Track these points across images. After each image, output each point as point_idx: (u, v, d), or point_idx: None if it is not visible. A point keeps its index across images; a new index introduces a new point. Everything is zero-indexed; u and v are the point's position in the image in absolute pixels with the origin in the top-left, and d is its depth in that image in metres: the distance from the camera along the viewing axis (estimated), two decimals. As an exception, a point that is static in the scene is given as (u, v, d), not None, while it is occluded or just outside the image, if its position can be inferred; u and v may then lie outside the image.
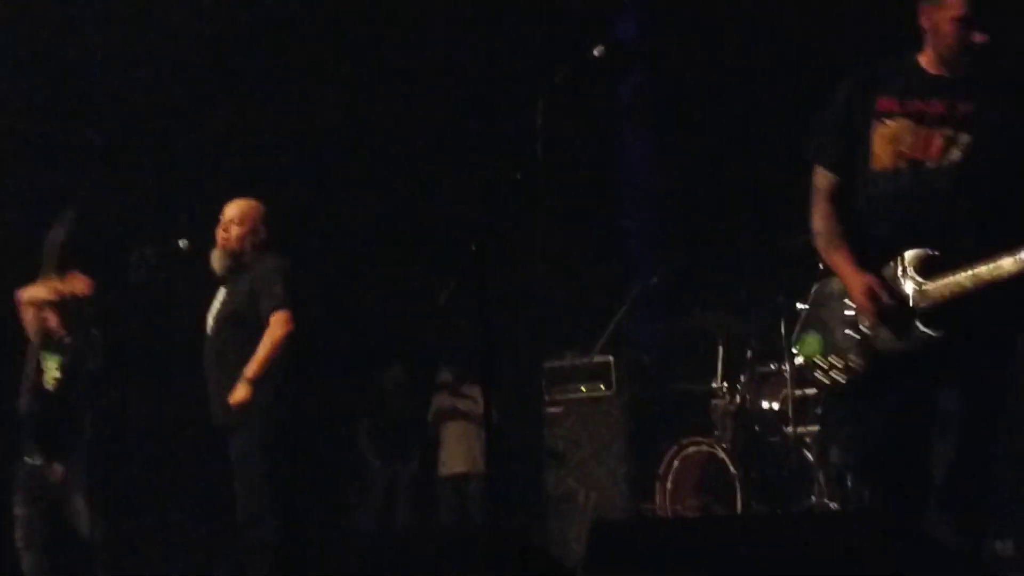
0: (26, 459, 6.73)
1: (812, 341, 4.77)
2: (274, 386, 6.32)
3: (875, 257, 4.60)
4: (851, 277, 4.60)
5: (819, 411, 7.30)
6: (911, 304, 4.49)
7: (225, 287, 6.59)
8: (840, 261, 4.66)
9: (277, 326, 6.32)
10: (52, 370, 6.78)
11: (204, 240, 6.63)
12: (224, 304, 6.51)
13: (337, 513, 9.76)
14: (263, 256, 6.55)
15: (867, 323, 4.57)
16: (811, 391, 7.32)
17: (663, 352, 9.11)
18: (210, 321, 6.56)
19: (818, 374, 4.75)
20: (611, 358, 8.30)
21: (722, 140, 9.53)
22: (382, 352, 10.09)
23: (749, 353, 7.67)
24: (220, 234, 6.56)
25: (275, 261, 6.53)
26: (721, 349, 7.76)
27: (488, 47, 9.81)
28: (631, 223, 10.38)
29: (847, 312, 4.66)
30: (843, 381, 4.65)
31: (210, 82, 9.23)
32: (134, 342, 7.10)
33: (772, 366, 7.58)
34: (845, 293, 4.66)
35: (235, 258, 6.53)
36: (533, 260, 9.14)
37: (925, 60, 4.69)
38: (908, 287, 4.50)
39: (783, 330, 7.37)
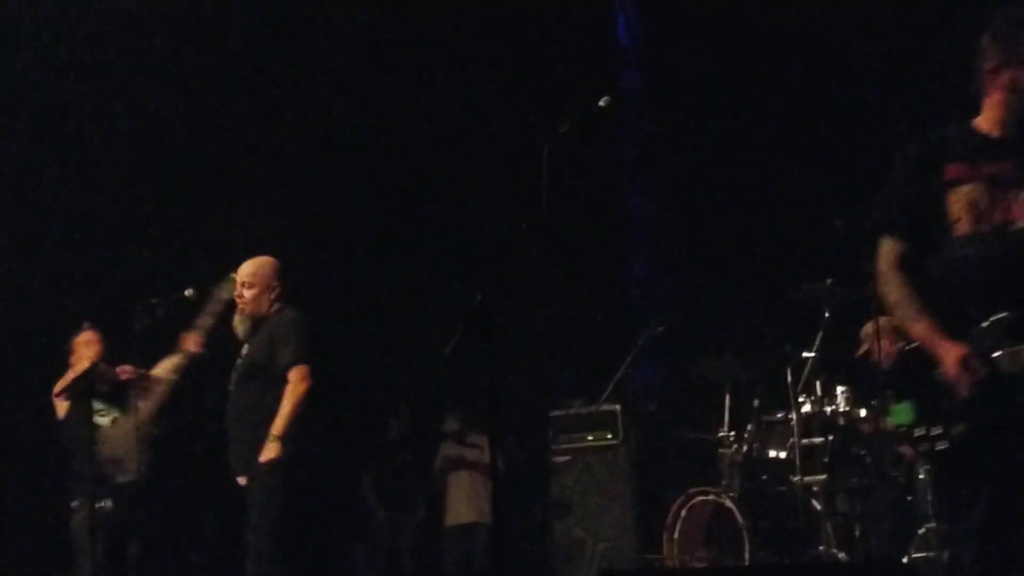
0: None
1: (905, 409, 4.70)
2: (292, 439, 6.33)
3: (958, 323, 4.52)
4: (941, 348, 4.48)
5: (826, 460, 7.27)
6: (1004, 369, 4.43)
7: (248, 344, 6.59)
8: (926, 331, 4.54)
9: (298, 382, 6.37)
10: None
11: (210, 290, 6.65)
12: (244, 358, 6.52)
13: (341, 562, 9.72)
14: (282, 309, 6.58)
15: (962, 391, 4.47)
16: (818, 440, 7.30)
17: (669, 401, 9.11)
18: (233, 377, 6.58)
19: (917, 444, 4.66)
20: (617, 407, 8.29)
21: (727, 189, 9.55)
22: (386, 401, 10.08)
23: (756, 402, 7.65)
24: (237, 298, 6.59)
25: (292, 314, 6.56)
26: (728, 397, 7.74)
27: (494, 98, 9.87)
28: (636, 272, 10.39)
29: (938, 379, 4.55)
30: (944, 448, 4.55)
31: (219, 132, 9.29)
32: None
33: (779, 415, 7.55)
34: (932, 361, 4.54)
35: (254, 320, 6.56)
36: (539, 309, 9.19)
37: (986, 124, 4.68)
38: (1000, 352, 4.45)
39: (789, 378, 7.37)
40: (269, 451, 6.28)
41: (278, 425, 6.29)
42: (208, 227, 8.96)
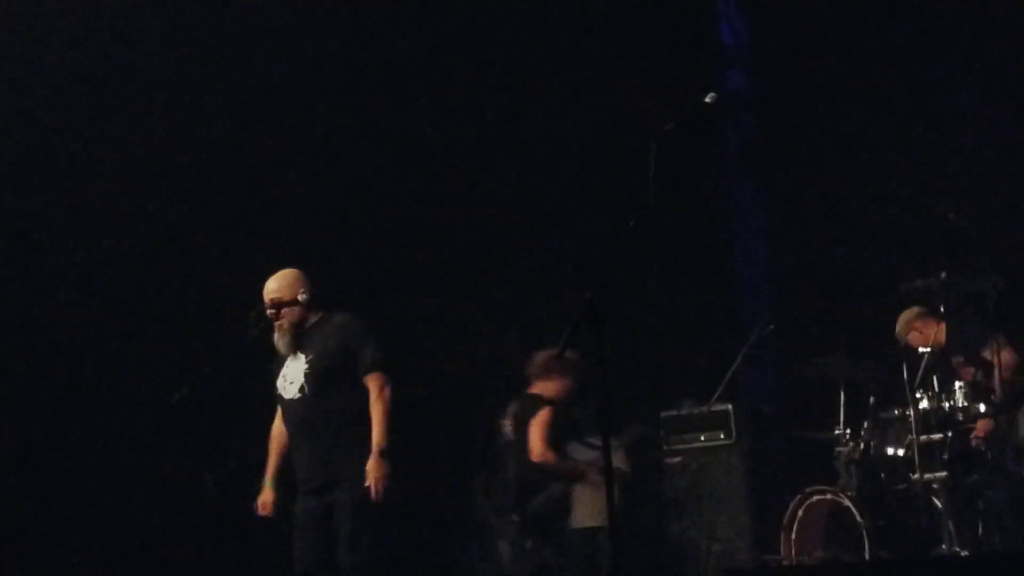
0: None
1: None
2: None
3: None
4: None
5: (946, 456, 7.15)
6: None
7: (301, 352, 6.59)
8: None
9: (383, 389, 6.38)
10: None
11: (322, 296, 6.70)
12: (313, 364, 6.49)
13: (456, 569, 9.73)
14: (331, 315, 6.60)
15: None
16: (937, 436, 7.18)
17: (783, 399, 9.01)
18: (291, 383, 6.55)
19: None
20: (730, 406, 8.22)
21: (835, 185, 9.45)
22: (494, 404, 10.08)
23: (872, 399, 7.54)
24: (271, 315, 6.59)
25: (351, 318, 6.58)
26: (842, 395, 7.64)
27: (600, 97, 9.85)
28: (745, 270, 10.30)
29: None
30: None
31: (325, 140, 9.38)
32: (251, 398, 7.19)
33: (896, 411, 7.44)
34: None
35: (294, 333, 6.58)
36: (648, 308, 9.15)
37: None
38: None
39: (905, 374, 7.25)
40: (379, 467, 6.25)
41: (380, 439, 6.27)
42: (309, 233, 9.04)
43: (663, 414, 8.45)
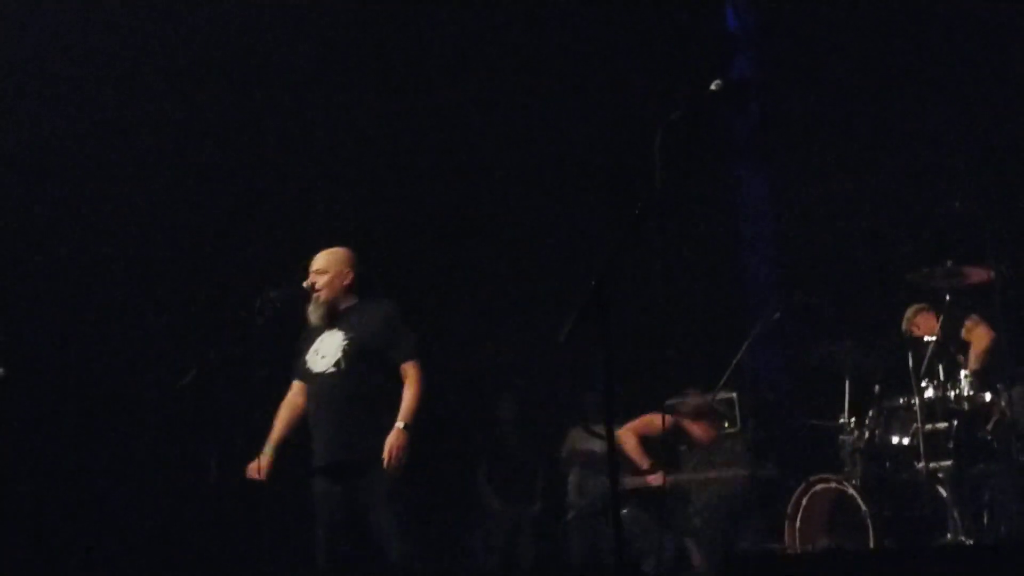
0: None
1: None
2: (413, 429, 6.40)
3: None
4: None
5: (951, 445, 7.13)
6: None
7: (338, 328, 6.62)
8: None
9: (419, 377, 6.44)
10: None
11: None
12: (353, 342, 6.53)
13: (459, 553, 9.75)
14: (371, 299, 6.63)
15: None
16: (942, 425, 7.17)
17: (787, 388, 9.00)
18: (323, 358, 6.60)
19: None
20: (734, 394, 8.20)
21: (841, 171, 9.43)
22: (499, 391, 10.09)
23: (877, 387, 7.53)
24: (311, 287, 6.65)
25: (393, 305, 6.61)
26: (847, 384, 7.62)
27: (607, 85, 9.84)
28: (751, 258, 10.28)
29: None
30: None
31: (338, 132, 9.38)
32: (261, 383, 7.19)
33: (901, 400, 7.42)
34: None
35: (329, 307, 6.62)
36: (653, 296, 9.13)
37: None
38: None
39: (911, 363, 7.24)
40: (398, 437, 6.30)
41: (407, 414, 6.34)
42: (320, 217, 9.05)
43: (668, 402, 8.44)
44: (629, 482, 8.24)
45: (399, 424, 6.33)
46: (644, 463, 8.25)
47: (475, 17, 9.52)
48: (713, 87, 5.75)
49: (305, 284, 6.64)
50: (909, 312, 7.83)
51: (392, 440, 6.29)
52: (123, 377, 8.62)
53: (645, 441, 8.31)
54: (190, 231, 8.92)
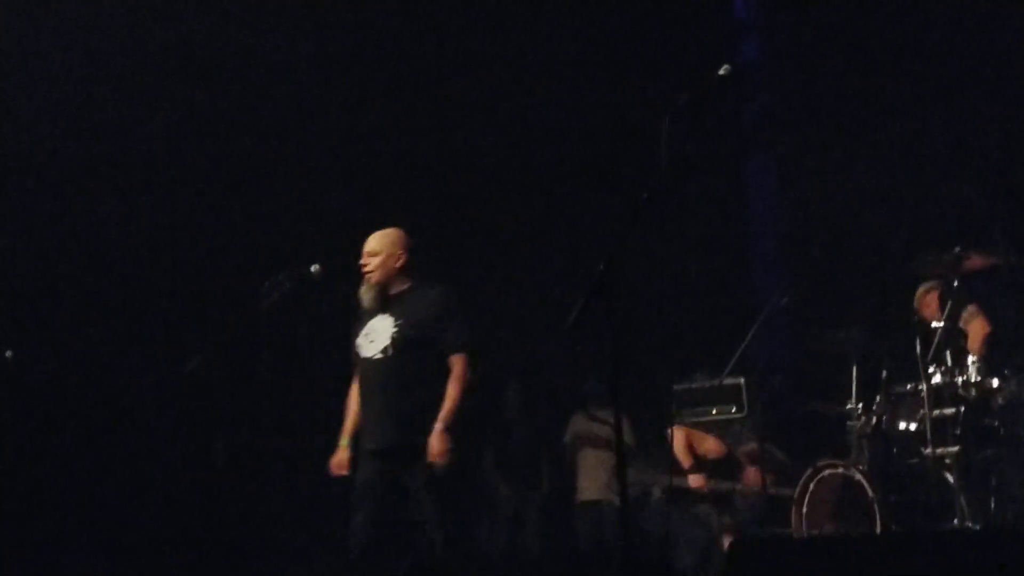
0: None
1: None
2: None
3: None
4: None
5: (958, 431, 7.12)
6: None
7: (388, 313, 6.58)
8: None
9: (467, 370, 6.39)
10: None
11: (336, 266, 6.69)
12: (403, 328, 6.47)
13: (465, 540, 9.75)
14: (426, 282, 6.58)
15: None
16: (949, 411, 7.16)
17: (795, 373, 8.99)
18: (372, 343, 6.54)
19: None
20: (742, 380, 8.17)
21: (849, 157, 9.42)
22: (503, 376, 10.08)
23: (884, 373, 7.51)
24: (362, 268, 6.58)
25: (453, 293, 6.56)
26: (855, 369, 7.61)
27: (614, 71, 9.82)
28: (758, 243, 10.27)
29: None
30: None
31: (347, 113, 9.39)
32: (268, 368, 7.19)
33: (908, 386, 7.40)
34: None
35: (381, 290, 6.54)
36: (662, 281, 9.13)
37: None
38: None
39: (919, 349, 7.22)
40: (441, 443, 6.26)
41: (447, 415, 6.29)
42: (331, 203, 9.06)
43: (675, 387, 8.43)
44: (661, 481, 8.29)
45: (438, 426, 6.27)
46: (687, 462, 8.23)
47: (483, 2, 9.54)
48: (721, 72, 5.72)
49: (362, 264, 6.54)
50: (920, 290, 7.81)
51: (433, 444, 6.26)
52: (128, 365, 8.63)
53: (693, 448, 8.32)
54: (194, 219, 8.93)
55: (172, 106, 8.98)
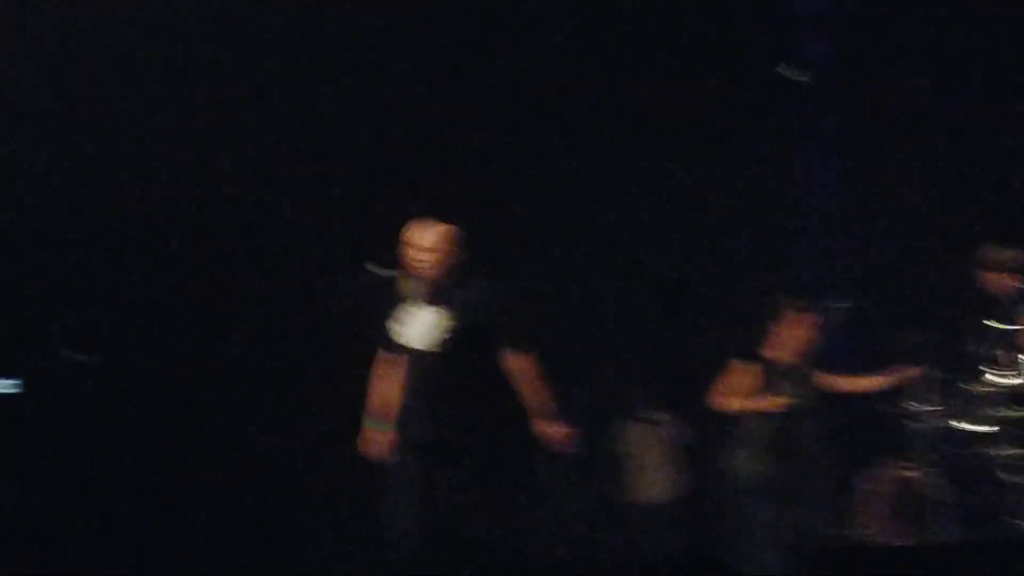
0: None
1: None
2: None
3: None
4: None
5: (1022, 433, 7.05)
6: None
7: (437, 306, 6.56)
8: None
9: (534, 362, 6.39)
10: None
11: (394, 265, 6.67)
12: (450, 321, 6.42)
13: (522, 543, 9.75)
14: (476, 278, 6.56)
15: None
16: (1016, 413, 7.09)
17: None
18: (420, 336, 6.46)
19: None
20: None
21: (908, 157, 9.37)
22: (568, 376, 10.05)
23: (946, 374, 7.45)
24: (413, 263, 6.52)
25: (503, 287, 6.55)
26: (918, 368, 7.55)
27: (673, 70, 9.77)
28: (818, 243, 10.21)
29: None
30: None
31: (400, 113, 9.41)
32: (331, 365, 7.21)
33: (973, 386, 7.34)
34: None
35: (432, 286, 6.50)
36: (720, 284, 9.07)
37: None
38: None
39: (983, 349, 7.16)
40: (562, 427, 6.37)
41: (552, 407, 6.36)
42: (389, 199, 9.07)
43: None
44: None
45: (550, 419, 6.36)
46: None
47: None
48: (779, 70, 5.70)
49: (413, 255, 6.42)
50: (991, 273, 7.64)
51: (556, 433, 6.37)
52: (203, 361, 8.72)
53: None
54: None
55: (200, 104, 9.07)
